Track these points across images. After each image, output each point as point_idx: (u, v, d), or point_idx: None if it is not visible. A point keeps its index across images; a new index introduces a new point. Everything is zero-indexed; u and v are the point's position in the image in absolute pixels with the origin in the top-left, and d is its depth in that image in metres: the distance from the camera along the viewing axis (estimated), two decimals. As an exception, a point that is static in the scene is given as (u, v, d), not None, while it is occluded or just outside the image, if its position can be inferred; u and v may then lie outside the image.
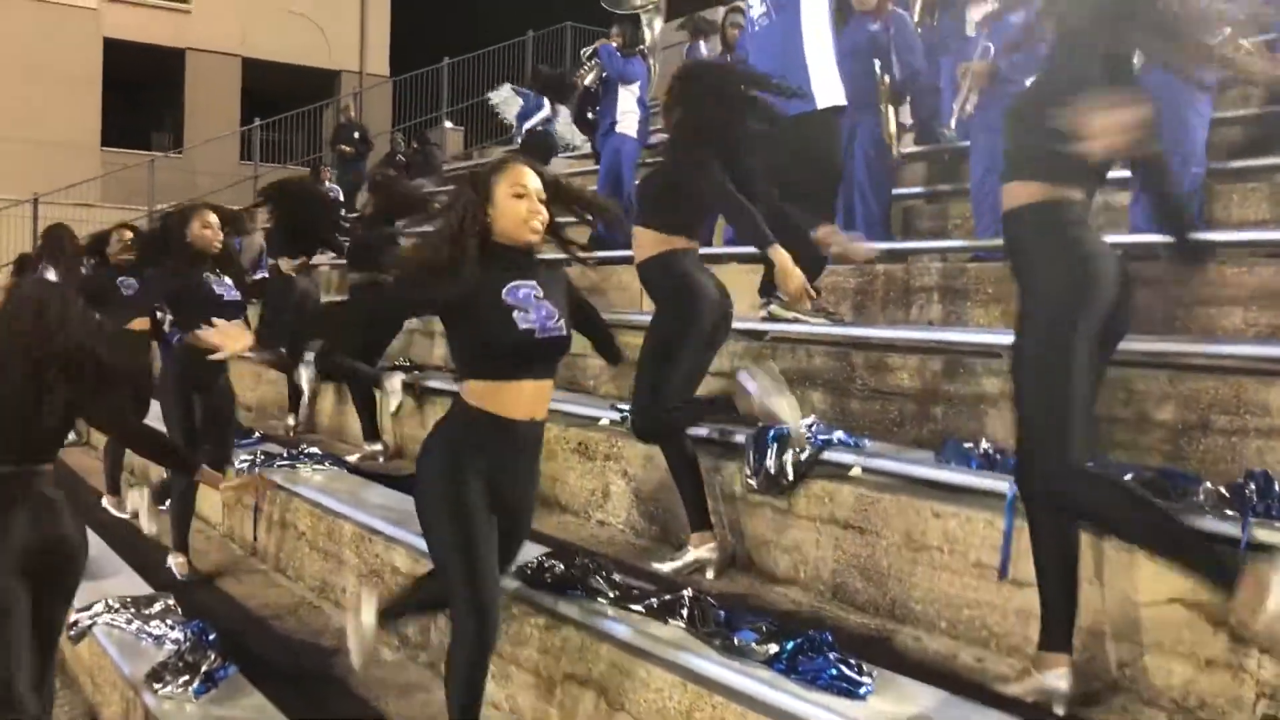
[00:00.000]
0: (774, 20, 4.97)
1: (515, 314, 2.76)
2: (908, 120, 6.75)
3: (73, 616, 4.34)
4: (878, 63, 5.95)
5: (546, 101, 10.31)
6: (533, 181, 2.85)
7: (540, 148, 10.38)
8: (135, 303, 6.26)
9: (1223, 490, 2.92)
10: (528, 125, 10.47)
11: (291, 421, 7.46)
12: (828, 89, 4.90)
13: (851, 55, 5.69)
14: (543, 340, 2.79)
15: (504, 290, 2.77)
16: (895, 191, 6.43)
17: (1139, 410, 3.66)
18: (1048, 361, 2.76)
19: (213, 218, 5.29)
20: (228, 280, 5.29)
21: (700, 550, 4.03)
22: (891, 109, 6.06)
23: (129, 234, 6.64)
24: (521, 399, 2.82)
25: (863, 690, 2.69)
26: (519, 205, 2.81)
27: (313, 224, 6.58)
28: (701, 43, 9.48)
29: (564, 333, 2.86)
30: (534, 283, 2.82)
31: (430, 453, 2.91)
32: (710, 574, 4.01)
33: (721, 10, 9.21)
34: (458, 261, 2.76)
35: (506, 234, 2.84)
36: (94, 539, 5.17)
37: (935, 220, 6.47)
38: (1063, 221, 2.76)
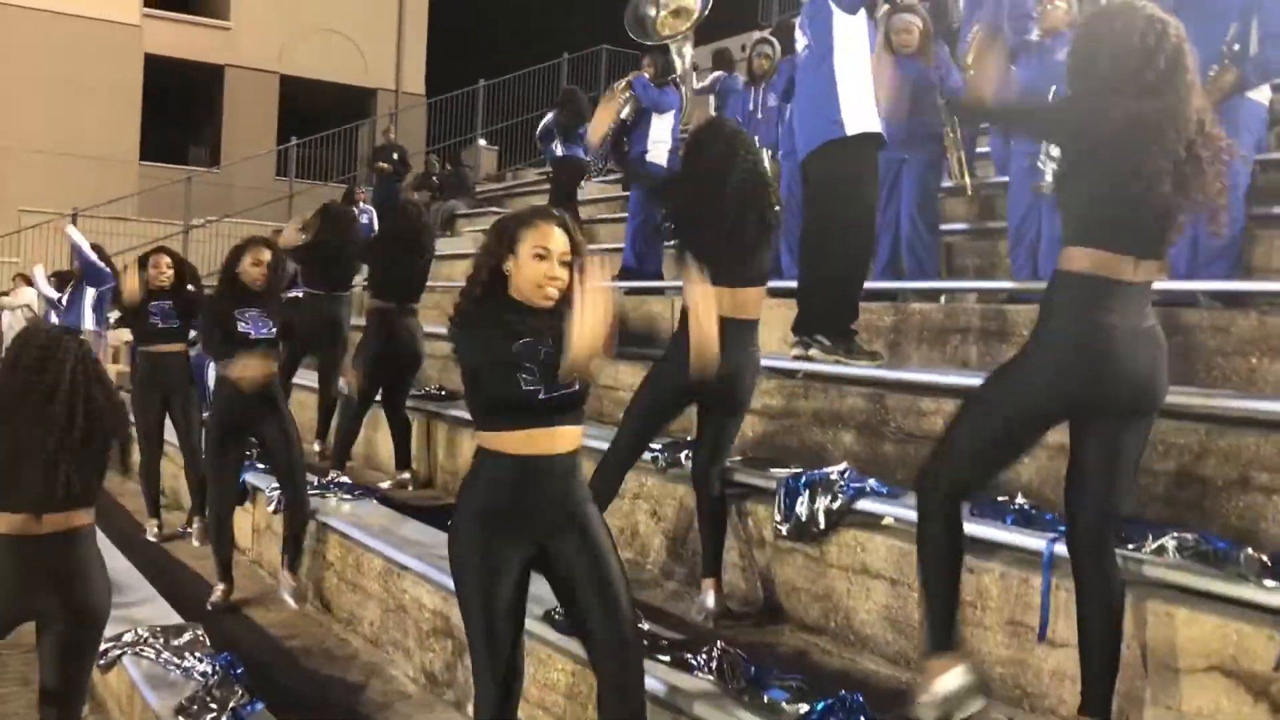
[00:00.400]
0: (812, 50, 4.99)
1: (520, 375, 2.70)
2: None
3: (101, 645, 4.36)
4: (941, 100, 5.95)
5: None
6: (557, 244, 2.76)
7: (569, 170, 10.49)
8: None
9: (1265, 559, 2.86)
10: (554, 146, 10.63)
11: (318, 447, 7.47)
12: (859, 116, 4.87)
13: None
14: (549, 399, 2.73)
15: (512, 349, 2.71)
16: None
17: (1177, 464, 3.59)
18: (997, 400, 2.92)
19: (265, 254, 5.34)
20: (263, 316, 5.32)
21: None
22: (958, 144, 6.05)
23: (166, 259, 6.70)
24: (535, 441, 2.76)
25: (893, 756, 2.65)
26: (538, 267, 2.74)
27: (348, 258, 6.67)
28: (719, 74, 9.49)
29: (574, 389, 2.77)
30: (548, 340, 2.72)
31: (457, 513, 2.86)
32: (707, 621, 4.05)
33: (754, 36, 9.19)
34: (468, 311, 2.79)
35: (521, 292, 2.78)
36: (125, 564, 5.26)
37: (979, 258, 6.41)
38: (1096, 301, 2.75)
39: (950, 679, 2.80)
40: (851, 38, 4.91)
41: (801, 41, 5.13)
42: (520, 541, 2.80)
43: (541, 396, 2.72)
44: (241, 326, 5.23)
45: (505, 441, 2.78)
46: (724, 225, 3.95)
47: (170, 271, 6.68)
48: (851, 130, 4.85)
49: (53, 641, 3.37)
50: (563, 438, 2.81)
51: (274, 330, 5.34)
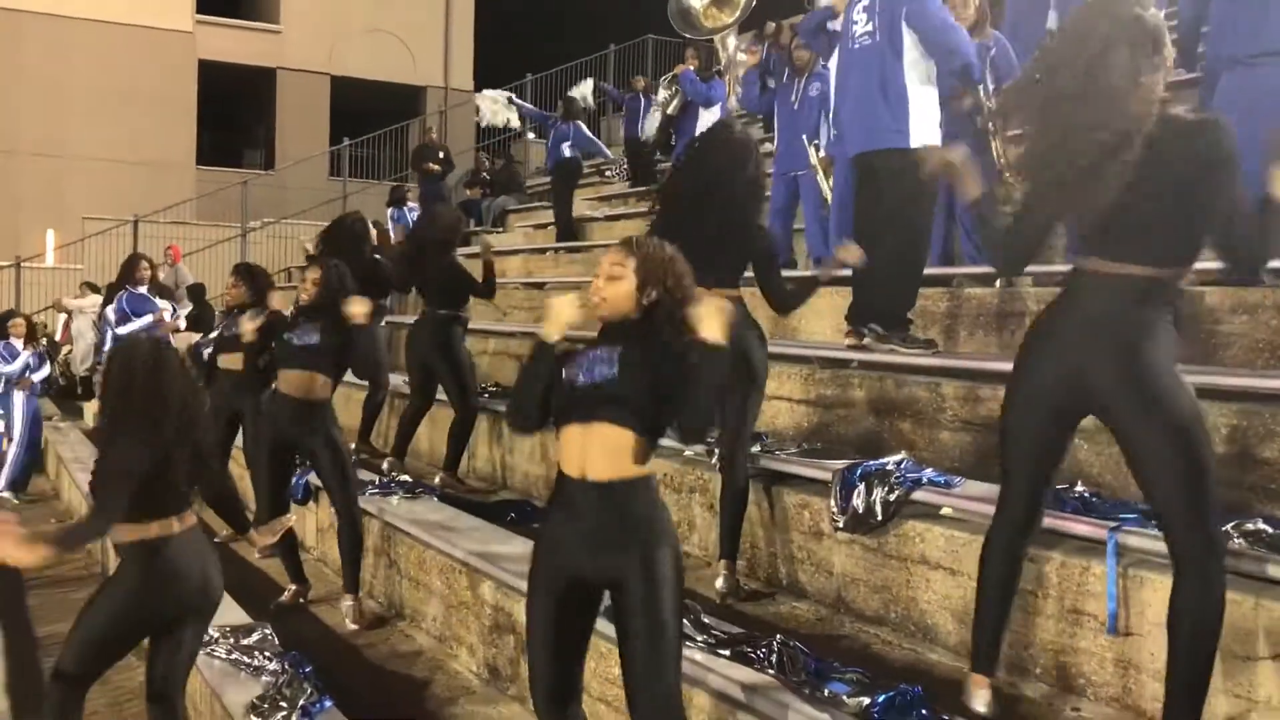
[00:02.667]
0: (876, 41, 4.90)
1: (569, 371, 2.79)
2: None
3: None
4: (991, 84, 5.86)
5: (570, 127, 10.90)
6: (609, 259, 2.85)
7: (567, 174, 10.75)
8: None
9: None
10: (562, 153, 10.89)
11: (352, 445, 7.45)
12: (924, 127, 4.83)
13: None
14: (583, 386, 2.76)
15: (578, 354, 2.82)
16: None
17: (1241, 447, 3.54)
18: None
19: (313, 273, 5.44)
20: (312, 327, 5.34)
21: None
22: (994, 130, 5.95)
23: (233, 280, 6.87)
24: (571, 448, 2.77)
25: (956, 749, 2.65)
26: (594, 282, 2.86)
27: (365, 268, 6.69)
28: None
29: (609, 377, 2.74)
30: (616, 347, 2.78)
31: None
32: (722, 600, 4.16)
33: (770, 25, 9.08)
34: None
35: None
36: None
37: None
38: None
39: (978, 700, 2.94)
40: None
41: (862, 27, 4.98)
42: (570, 563, 2.79)
43: (579, 383, 2.76)
44: (286, 334, 5.38)
45: (562, 447, 2.81)
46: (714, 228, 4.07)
47: (240, 291, 6.82)
48: (915, 143, 4.81)
49: (171, 641, 3.62)
50: (593, 446, 2.72)
51: (317, 340, 5.27)
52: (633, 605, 2.70)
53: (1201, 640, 2.64)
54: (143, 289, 10.09)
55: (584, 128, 11.60)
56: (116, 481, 3.39)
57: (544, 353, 2.85)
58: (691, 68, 8.26)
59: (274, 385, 5.51)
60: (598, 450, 2.73)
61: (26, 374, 9.89)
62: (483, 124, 12.67)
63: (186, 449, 3.54)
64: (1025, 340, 2.92)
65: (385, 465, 6.56)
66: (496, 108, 12.38)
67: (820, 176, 6.86)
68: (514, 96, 13.09)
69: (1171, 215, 2.67)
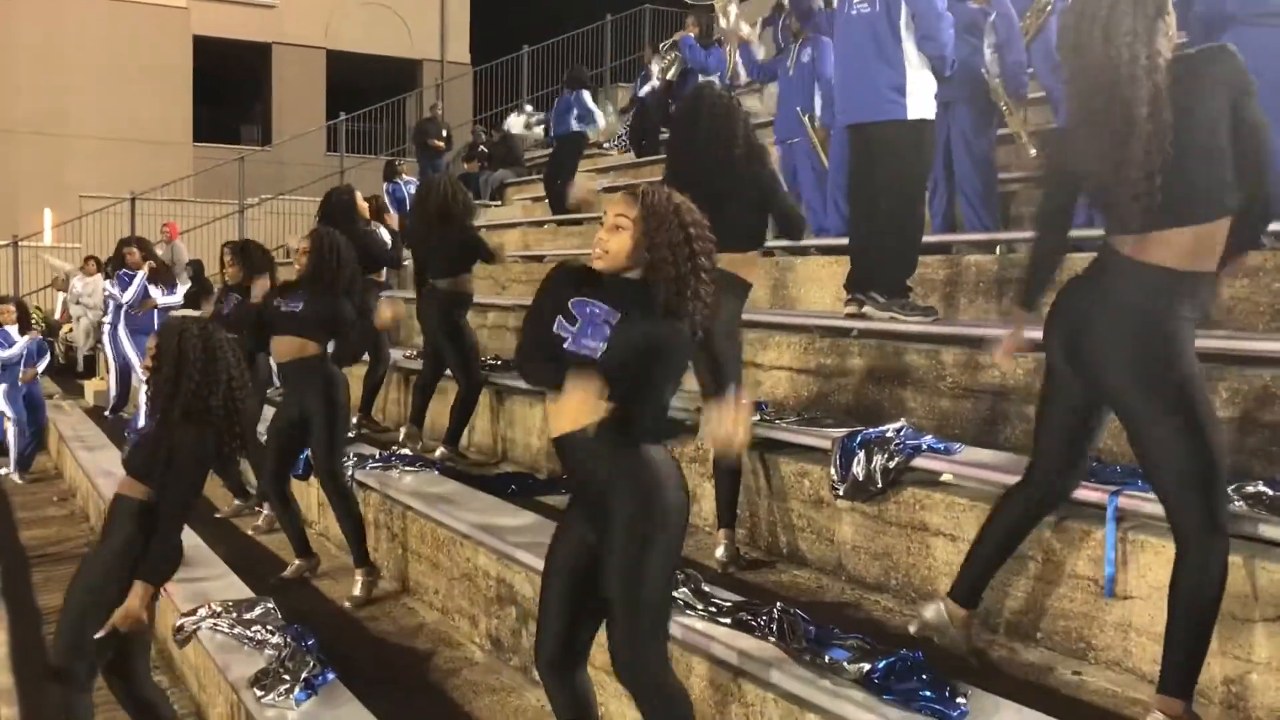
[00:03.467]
0: (874, 10, 4.84)
1: (561, 320, 2.73)
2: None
3: (178, 620, 4.50)
4: (989, 50, 5.79)
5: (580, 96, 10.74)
6: (612, 209, 2.77)
7: (576, 147, 10.72)
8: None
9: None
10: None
11: (354, 420, 7.43)
12: (921, 100, 4.80)
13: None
14: (569, 352, 2.69)
15: (571, 301, 2.74)
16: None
17: (1242, 411, 3.53)
18: None
19: (303, 243, 5.42)
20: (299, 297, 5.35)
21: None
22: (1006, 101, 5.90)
23: (228, 258, 6.86)
24: (563, 408, 2.67)
25: (957, 715, 2.65)
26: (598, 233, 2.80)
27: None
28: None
29: (593, 356, 2.67)
30: (607, 305, 2.71)
31: None
32: (723, 569, 4.17)
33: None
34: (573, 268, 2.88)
35: None
36: (196, 540, 5.38)
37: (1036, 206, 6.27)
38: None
39: (930, 611, 3.17)
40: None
41: None
42: (583, 516, 2.79)
43: (567, 346, 2.71)
44: (276, 301, 5.41)
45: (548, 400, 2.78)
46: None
47: (237, 269, 6.78)
48: (913, 115, 4.79)
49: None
50: (586, 407, 2.61)
51: (300, 306, 5.26)
52: (608, 570, 2.70)
53: (1200, 613, 2.64)
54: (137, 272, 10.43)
55: (586, 97, 11.46)
56: (186, 473, 3.61)
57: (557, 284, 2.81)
58: (692, 34, 8.20)
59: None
60: (588, 410, 2.63)
61: (30, 364, 9.81)
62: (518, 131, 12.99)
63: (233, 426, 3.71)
64: (1048, 316, 2.88)
65: (402, 434, 6.54)
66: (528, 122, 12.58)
67: (816, 145, 6.82)
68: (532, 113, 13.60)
69: (1205, 159, 2.61)
